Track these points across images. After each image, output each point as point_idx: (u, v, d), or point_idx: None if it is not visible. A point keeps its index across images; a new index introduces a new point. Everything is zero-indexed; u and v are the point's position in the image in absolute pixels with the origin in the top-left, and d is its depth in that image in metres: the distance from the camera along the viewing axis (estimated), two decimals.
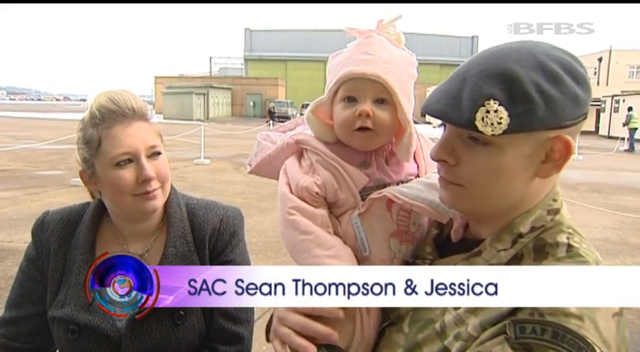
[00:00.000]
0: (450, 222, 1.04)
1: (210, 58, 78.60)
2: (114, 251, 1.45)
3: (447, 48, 69.56)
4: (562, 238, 0.88)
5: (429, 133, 1.11)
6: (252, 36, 69.99)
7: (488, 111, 0.83)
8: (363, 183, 1.06)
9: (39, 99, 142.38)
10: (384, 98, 1.05)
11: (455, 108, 0.86)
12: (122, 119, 1.34)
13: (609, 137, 30.78)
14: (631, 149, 24.15)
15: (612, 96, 32.98)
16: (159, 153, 1.40)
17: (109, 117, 1.34)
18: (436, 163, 0.99)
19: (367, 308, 1.03)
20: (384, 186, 1.07)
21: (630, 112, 24.94)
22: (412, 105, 1.09)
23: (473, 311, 0.86)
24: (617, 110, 31.96)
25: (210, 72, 75.31)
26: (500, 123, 0.83)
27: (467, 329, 0.84)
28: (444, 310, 0.91)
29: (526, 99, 0.83)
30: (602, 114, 34.74)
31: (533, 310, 0.78)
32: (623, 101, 31.05)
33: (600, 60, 42.23)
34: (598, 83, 41.82)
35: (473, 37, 71.17)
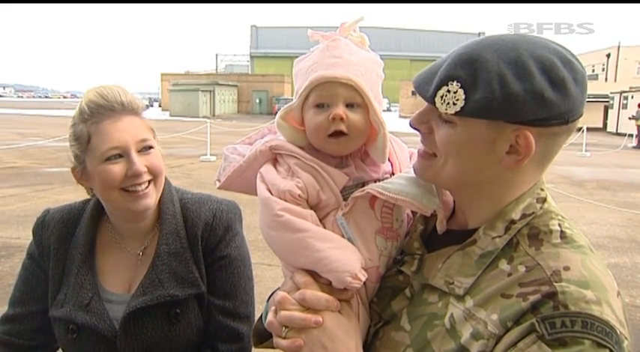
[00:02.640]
0: (433, 217, 1.05)
1: (217, 55, 78.81)
2: (112, 250, 1.46)
3: (454, 44, 69.07)
4: (554, 225, 0.91)
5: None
6: (258, 33, 70.00)
7: (449, 91, 0.88)
8: (344, 182, 1.05)
9: (46, 97, 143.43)
10: (356, 101, 1.04)
11: (427, 83, 0.93)
12: (111, 114, 1.32)
13: (617, 133, 30.57)
14: (639, 146, 23.98)
15: (620, 93, 32.74)
16: (150, 147, 1.37)
17: (98, 112, 1.32)
18: (409, 160, 1.06)
19: (362, 302, 1.03)
20: (364, 184, 1.06)
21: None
22: (382, 105, 1.08)
23: (482, 304, 0.86)
24: (625, 106, 31.72)
25: (217, 69, 75.43)
26: (455, 104, 0.87)
27: (486, 327, 0.83)
28: (447, 303, 0.91)
29: (485, 88, 0.85)
30: (610, 110, 34.52)
31: (556, 303, 0.78)
32: (632, 97, 30.82)
33: (608, 56, 41.94)
34: (606, 79, 41.54)
35: (479, 34, 70.83)
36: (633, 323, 4.59)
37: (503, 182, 0.93)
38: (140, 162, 1.32)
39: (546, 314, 0.78)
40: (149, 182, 1.36)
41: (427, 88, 0.92)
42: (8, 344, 1.46)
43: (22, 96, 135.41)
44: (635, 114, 25.41)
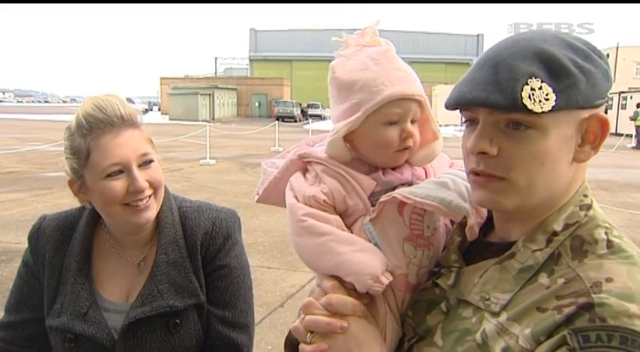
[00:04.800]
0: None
1: (216, 58, 78.80)
2: (109, 259, 1.44)
3: (453, 46, 69.35)
4: (600, 234, 0.84)
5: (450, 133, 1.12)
6: (257, 36, 70.03)
7: (533, 89, 0.80)
8: (371, 187, 1.04)
9: (46, 102, 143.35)
10: (417, 116, 1.07)
11: (495, 92, 0.82)
12: (111, 128, 1.28)
13: (616, 134, 30.56)
14: (638, 146, 23.99)
15: (619, 93, 32.75)
16: (151, 161, 1.34)
17: (97, 126, 1.28)
18: (462, 163, 0.95)
19: (391, 312, 1.01)
20: (393, 189, 1.04)
21: (638, 109, 24.77)
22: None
23: (517, 318, 0.80)
24: (624, 107, 31.74)
25: (216, 72, 75.42)
26: (547, 100, 0.80)
27: (517, 342, 0.78)
28: (481, 318, 0.86)
29: (567, 74, 0.81)
30: (609, 111, 34.50)
31: (593, 315, 0.72)
32: (631, 98, 30.86)
33: (607, 56, 41.92)
34: None
35: (478, 36, 70.93)
36: None
37: (565, 181, 0.87)
38: (142, 178, 1.30)
39: (580, 326, 0.72)
40: (150, 195, 1.34)
41: (501, 97, 0.81)
42: (3, 351, 1.44)
43: (21, 101, 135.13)
44: (632, 115, 25.42)
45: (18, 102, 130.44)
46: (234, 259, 1.46)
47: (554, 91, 0.80)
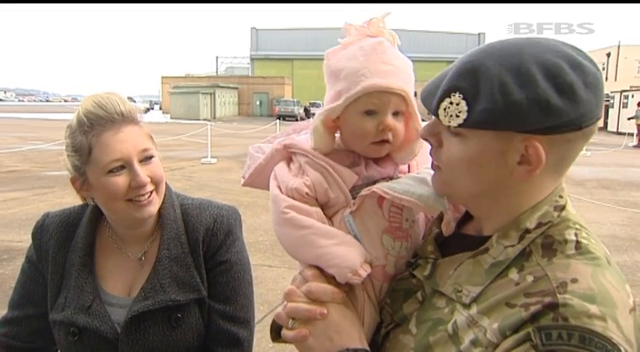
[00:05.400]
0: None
1: (217, 57, 78.81)
2: (111, 254, 1.46)
3: (454, 45, 69.23)
4: (570, 234, 0.87)
5: None
6: (258, 35, 69.99)
7: (451, 103, 0.86)
8: (353, 180, 1.06)
9: (47, 101, 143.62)
10: (401, 110, 1.07)
11: (431, 96, 0.91)
12: (112, 125, 1.31)
13: (618, 133, 30.53)
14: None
15: (621, 92, 32.72)
16: (151, 157, 1.37)
17: (98, 123, 1.30)
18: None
19: (370, 300, 1.04)
20: (374, 183, 1.06)
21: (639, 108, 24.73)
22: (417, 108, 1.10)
23: (486, 312, 0.84)
24: (625, 105, 31.71)
25: (217, 71, 75.43)
26: (458, 116, 0.86)
27: (485, 335, 0.82)
28: (453, 309, 0.90)
29: (488, 98, 0.83)
30: (610, 109, 34.48)
31: (557, 315, 0.76)
32: (632, 96, 30.80)
33: (609, 55, 41.89)
34: (607, 79, 41.46)
35: (479, 34, 70.88)
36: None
37: (519, 192, 0.90)
38: (143, 173, 1.32)
39: (544, 324, 0.76)
40: (152, 191, 1.36)
41: (431, 101, 0.91)
42: (6, 346, 1.47)
43: (23, 100, 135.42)
44: (634, 114, 25.39)
45: (19, 101, 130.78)
46: (235, 255, 1.48)
47: (467, 111, 0.85)
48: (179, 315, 1.39)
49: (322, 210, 1.07)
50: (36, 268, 1.48)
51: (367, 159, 1.10)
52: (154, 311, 1.36)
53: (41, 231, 1.49)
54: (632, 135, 25.07)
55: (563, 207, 0.91)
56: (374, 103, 1.04)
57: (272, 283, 5.25)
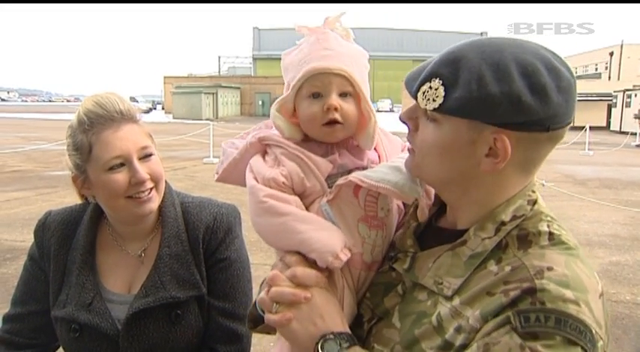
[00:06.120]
0: (429, 214, 1.07)
1: (219, 57, 78.98)
2: (111, 251, 1.48)
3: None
4: (543, 226, 0.92)
5: None
6: (260, 35, 70.09)
7: (430, 87, 0.91)
8: (328, 169, 1.08)
9: (50, 101, 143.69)
10: (348, 91, 1.09)
11: (414, 80, 0.96)
12: (111, 123, 1.33)
13: (621, 132, 30.46)
14: None
15: (624, 91, 32.63)
16: (151, 154, 1.39)
17: (98, 122, 1.33)
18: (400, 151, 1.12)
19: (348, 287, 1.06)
20: (349, 172, 1.09)
21: None
22: (369, 94, 1.13)
23: (469, 302, 0.87)
24: (628, 105, 31.63)
25: (219, 71, 75.57)
26: (434, 101, 0.90)
27: (468, 322, 0.85)
28: (435, 301, 0.92)
29: (464, 87, 0.87)
30: (613, 109, 34.41)
31: (534, 299, 0.80)
32: (635, 95, 30.73)
33: (612, 54, 41.82)
34: (609, 78, 41.42)
35: (482, 34, 70.77)
36: (634, 320, 4.59)
37: (488, 186, 0.94)
38: (142, 170, 1.35)
39: (523, 308, 0.80)
40: (151, 188, 1.38)
41: (412, 84, 0.95)
42: (9, 342, 1.49)
43: (26, 101, 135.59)
44: (637, 113, 25.32)
45: (22, 101, 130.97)
46: (235, 252, 1.51)
47: (444, 96, 0.89)
48: (179, 312, 1.40)
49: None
50: (38, 265, 1.50)
51: (340, 148, 1.12)
52: (155, 308, 1.38)
53: (43, 228, 1.51)
54: (634, 134, 25.01)
55: (535, 202, 0.96)
56: (316, 86, 1.08)
57: None
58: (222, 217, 1.50)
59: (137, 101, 56.28)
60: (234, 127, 25.17)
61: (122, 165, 1.34)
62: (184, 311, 1.41)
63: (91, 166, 1.34)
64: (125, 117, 1.36)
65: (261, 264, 5.59)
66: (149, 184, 1.37)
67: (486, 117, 0.87)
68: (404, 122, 1.01)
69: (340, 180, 1.05)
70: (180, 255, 1.43)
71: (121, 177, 1.33)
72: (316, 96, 1.08)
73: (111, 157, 1.32)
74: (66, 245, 1.47)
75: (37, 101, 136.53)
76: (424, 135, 0.96)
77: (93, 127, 1.33)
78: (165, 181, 1.48)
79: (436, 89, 0.90)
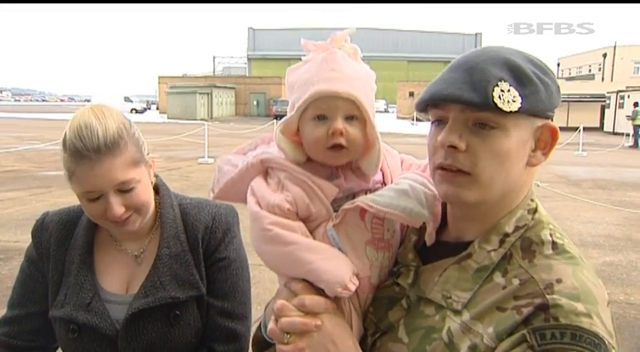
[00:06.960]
0: (425, 226, 1.05)
1: (214, 57, 78.83)
2: (109, 251, 1.48)
3: (451, 45, 69.34)
4: (545, 235, 0.93)
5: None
6: (255, 35, 70.05)
7: (502, 90, 0.88)
8: (334, 194, 1.06)
9: (44, 100, 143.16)
10: (354, 115, 1.06)
11: (470, 91, 0.89)
12: (87, 161, 1.26)
13: (614, 133, 30.63)
14: (635, 145, 24.04)
15: (617, 92, 32.82)
16: (131, 189, 1.33)
17: (75, 155, 1.27)
18: (412, 159, 1.13)
19: (355, 310, 1.05)
20: (354, 195, 1.08)
21: (636, 108, 24.77)
22: (375, 118, 1.09)
23: (479, 317, 0.87)
24: (622, 106, 31.80)
25: (214, 71, 75.42)
26: (514, 101, 0.88)
27: (482, 340, 0.85)
28: (444, 316, 0.92)
29: (530, 83, 0.90)
30: (606, 110, 34.58)
31: (548, 315, 0.81)
32: (628, 97, 30.89)
33: (605, 56, 42.04)
34: (603, 79, 41.62)
35: (476, 34, 71.02)
36: (627, 320, 4.62)
37: (520, 185, 0.96)
38: (118, 204, 1.30)
39: (537, 325, 0.81)
40: (129, 215, 1.35)
41: (475, 95, 0.89)
42: (7, 345, 1.47)
43: (19, 100, 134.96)
44: (631, 114, 25.45)
45: (15, 100, 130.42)
46: (234, 252, 1.51)
47: (519, 95, 0.89)
48: (178, 312, 1.40)
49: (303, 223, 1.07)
50: (36, 266, 1.49)
51: (345, 170, 1.10)
52: (154, 308, 1.38)
53: (41, 229, 1.51)
54: (628, 135, 25.15)
55: (535, 210, 0.97)
56: (322, 108, 1.04)
57: (269, 283, 5.25)
58: (221, 217, 1.51)
59: (132, 101, 55.95)
60: (229, 127, 25.14)
61: (99, 197, 1.30)
62: (183, 312, 1.41)
63: (73, 187, 1.32)
64: (103, 154, 1.27)
65: (258, 264, 5.55)
66: (124, 216, 1.33)
67: (549, 107, 0.93)
68: (452, 147, 0.92)
69: (347, 205, 1.03)
70: (179, 255, 1.44)
71: (95, 207, 1.31)
72: (321, 118, 1.05)
73: (85, 191, 1.29)
74: (64, 245, 1.47)
75: (31, 101, 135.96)
76: (484, 149, 0.90)
77: (72, 157, 1.28)
78: (164, 183, 1.47)
79: (508, 90, 0.88)
